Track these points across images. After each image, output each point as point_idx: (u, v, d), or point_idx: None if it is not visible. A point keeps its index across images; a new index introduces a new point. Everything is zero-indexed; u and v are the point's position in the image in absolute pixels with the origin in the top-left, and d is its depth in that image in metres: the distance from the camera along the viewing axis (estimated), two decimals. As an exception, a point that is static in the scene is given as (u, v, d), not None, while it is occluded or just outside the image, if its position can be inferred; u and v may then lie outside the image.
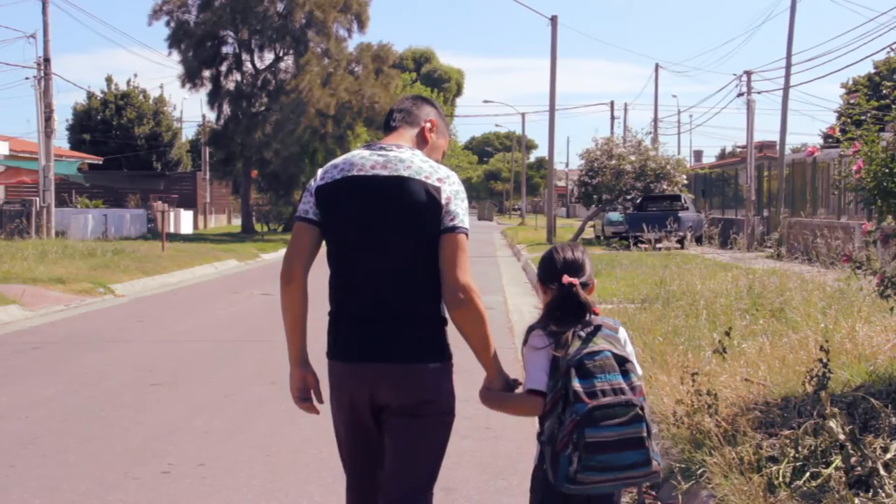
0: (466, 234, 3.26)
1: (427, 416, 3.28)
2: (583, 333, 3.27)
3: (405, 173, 3.26)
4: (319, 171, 3.43)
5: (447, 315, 3.30)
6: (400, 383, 3.24)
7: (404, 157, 3.30)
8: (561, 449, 3.18)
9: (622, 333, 3.37)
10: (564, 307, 3.33)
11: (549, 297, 3.43)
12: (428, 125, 3.49)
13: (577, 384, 3.15)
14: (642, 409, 3.17)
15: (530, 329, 3.40)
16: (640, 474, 3.19)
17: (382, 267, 3.27)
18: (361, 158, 3.34)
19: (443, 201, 3.23)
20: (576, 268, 3.44)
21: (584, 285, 3.41)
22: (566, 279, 3.37)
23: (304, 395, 3.47)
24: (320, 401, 3.48)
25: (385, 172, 3.27)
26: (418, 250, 3.24)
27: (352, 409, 3.34)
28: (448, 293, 3.21)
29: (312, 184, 3.39)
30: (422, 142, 3.47)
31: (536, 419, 3.38)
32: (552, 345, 3.27)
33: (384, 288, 3.27)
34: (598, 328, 3.29)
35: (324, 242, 3.41)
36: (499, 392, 3.40)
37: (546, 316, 3.39)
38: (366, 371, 3.27)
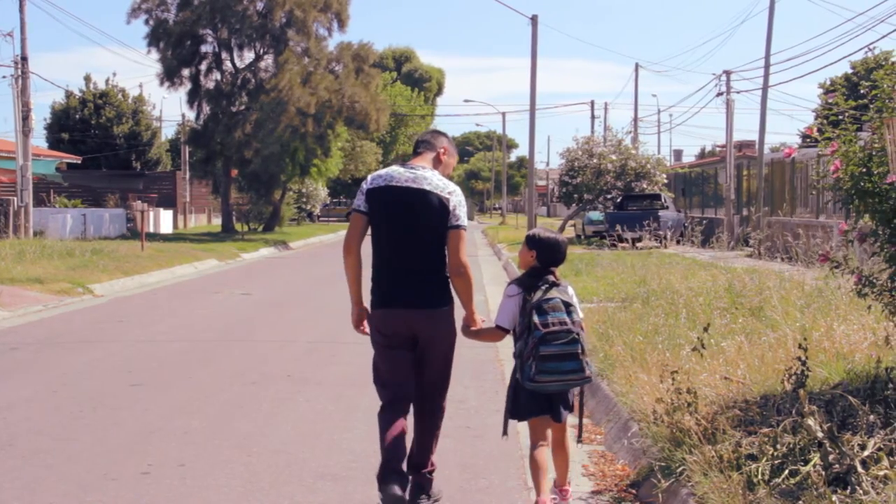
0: (465, 229, 5.07)
1: (441, 341, 5.15)
2: (543, 287, 4.97)
3: (427, 187, 5.01)
4: (369, 178, 5.16)
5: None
6: (426, 321, 5.07)
7: (427, 176, 5.06)
8: (526, 360, 4.87)
9: (570, 290, 5.09)
10: (536, 273, 5.07)
11: (529, 258, 5.10)
12: (442, 150, 5.25)
13: (536, 318, 4.85)
14: (578, 335, 4.86)
15: (510, 283, 5.17)
16: (577, 377, 4.90)
17: (410, 246, 5.02)
18: (399, 174, 5.07)
19: (451, 207, 5.01)
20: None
21: None
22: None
23: (360, 323, 5.23)
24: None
25: (415, 185, 5.01)
26: (433, 237, 5.01)
27: (397, 338, 5.06)
28: (452, 267, 5.03)
29: (364, 186, 5.11)
30: (437, 162, 5.22)
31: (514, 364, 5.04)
32: (522, 293, 4.99)
33: (411, 260, 5.03)
34: (554, 284, 5.00)
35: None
36: (474, 328, 5.22)
37: (525, 274, 5.12)
38: (407, 315, 5.04)
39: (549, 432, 5.07)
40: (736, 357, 7.22)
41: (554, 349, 4.80)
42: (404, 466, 5.04)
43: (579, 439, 5.64)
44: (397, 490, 4.87)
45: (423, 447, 5.21)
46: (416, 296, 5.01)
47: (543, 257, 5.08)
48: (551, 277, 5.01)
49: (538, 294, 4.90)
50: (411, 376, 5.13)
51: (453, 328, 5.20)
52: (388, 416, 5.06)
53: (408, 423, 5.15)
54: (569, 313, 4.87)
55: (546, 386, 4.86)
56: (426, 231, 4.99)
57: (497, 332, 5.14)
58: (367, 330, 5.20)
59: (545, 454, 5.00)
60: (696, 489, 4.81)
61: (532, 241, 5.14)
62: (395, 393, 5.11)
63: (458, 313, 5.21)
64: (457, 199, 5.04)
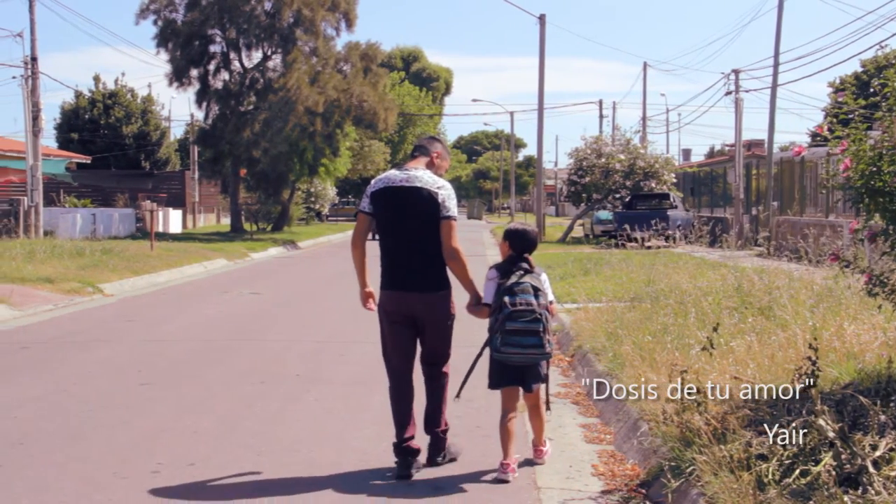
0: (455, 219, 5.82)
1: (438, 320, 5.89)
2: (518, 272, 5.77)
3: (419, 184, 5.81)
4: (372, 182, 5.94)
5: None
6: (426, 303, 5.83)
7: (419, 175, 5.87)
8: (494, 333, 5.71)
9: (543, 276, 5.90)
10: (513, 260, 5.89)
11: (505, 248, 5.94)
12: (435, 154, 6.09)
13: (506, 299, 5.68)
14: (540, 315, 5.66)
15: (490, 267, 5.92)
16: (537, 352, 5.71)
17: (408, 237, 5.80)
18: (395, 176, 5.90)
19: (440, 200, 5.77)
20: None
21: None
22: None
23: (367, 301, 6.00)
24: (376, 303, 6.00)
25: (408, 184, 5.82)
26: (427, 227, 5.78)
27: (398, 316, 5.87)
28: (446, 252, 5.78)
29: (368, 190, 5.93)
30: (431, 164, 6.03)
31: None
32: (499, 277, 5.79)
33: (409, 249, 5.80)
34: (528, 271, 5.81)
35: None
36: (475, 306, 5.89)
37: (504, 262, 5.92)
38: (407, 297, 5.82)
39: (521, 403, 5.95)
40: (745, 356, 7.19)
41: (518, 325, 5.64)
42: (413, 433, 5.88)
43: (548, 408, 6.16)
44: (410, 470, 5.81)
45: (434, 406, 5.99)
46: (414, 281, 5.80)
47: (515, 245, 5.91)
48: (525, 265, 5.83)
49: (513, 278, 5.74)
50: (412, 349, 5.98)
51: (449, 310, 5.91)
52: (394, 393, 5.98)
53: (414, 395, 6.01)
54: (536, 296, 5.70)
55: (509, 357, 5.70)
56: (420, 222, 5.75)
57: (487, 310, 5.87)
58: (373, 307, 6.01)
59: (514, 425, 5.84)
60: (706, 489, 4.80)
61: (505, 233, 6.01)
62: (397, 368, 5.96)
63: (461, 297, 5.91)
64: (446, 193, 5.80)
